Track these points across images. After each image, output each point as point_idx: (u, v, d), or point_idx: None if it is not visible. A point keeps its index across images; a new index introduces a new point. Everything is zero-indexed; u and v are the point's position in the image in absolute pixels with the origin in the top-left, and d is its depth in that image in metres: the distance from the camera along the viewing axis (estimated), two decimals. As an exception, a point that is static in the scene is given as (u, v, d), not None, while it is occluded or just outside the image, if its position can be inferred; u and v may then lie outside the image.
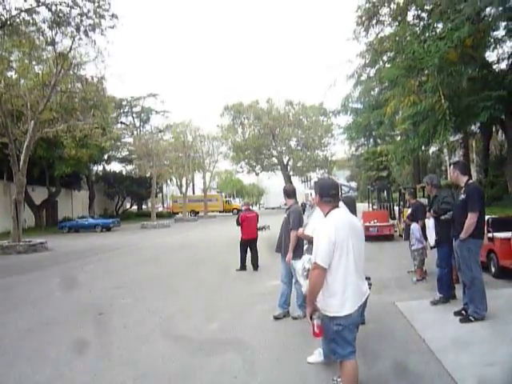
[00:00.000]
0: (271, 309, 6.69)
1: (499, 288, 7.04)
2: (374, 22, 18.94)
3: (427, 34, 15.63)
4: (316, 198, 3.50)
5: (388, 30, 20.00)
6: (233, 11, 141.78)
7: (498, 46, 14.55)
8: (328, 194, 3.41)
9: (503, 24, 15.13)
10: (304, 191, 72.30)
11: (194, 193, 57.35)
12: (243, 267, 10.85)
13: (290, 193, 6.55)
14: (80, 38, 16.84)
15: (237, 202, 73.06)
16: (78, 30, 16.72)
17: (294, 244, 6.06)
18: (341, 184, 57.50)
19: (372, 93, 21.69)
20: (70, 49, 18.05)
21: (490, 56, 15.82)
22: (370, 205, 22.85)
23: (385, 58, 19.32)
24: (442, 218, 6.13)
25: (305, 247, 4.64)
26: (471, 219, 5.34)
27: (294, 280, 6.39)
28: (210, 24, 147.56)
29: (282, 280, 6.49)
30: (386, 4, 18.27)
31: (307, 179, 70.01)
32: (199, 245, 18.42)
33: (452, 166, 5.98)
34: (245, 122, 57.57)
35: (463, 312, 5.53)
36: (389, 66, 18.82)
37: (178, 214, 50.23)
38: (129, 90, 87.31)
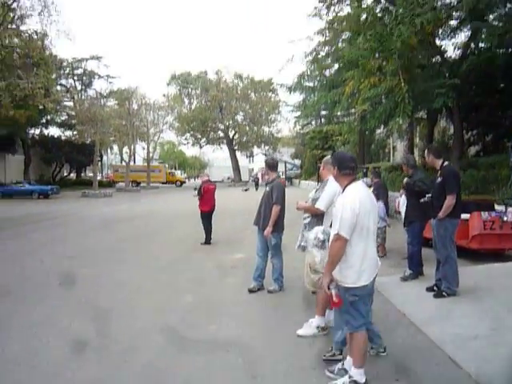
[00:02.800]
0: (243, 282, 6.67)
1: (459, 266, 7.40)
2: (336, 0, 19.00)
3: (386, 18, 15.87)
4: (334, 171, 3.45)
5: (347, 10, 20.12)
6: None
7: (454, 35, 15.10)
8: (347, 167, 3.37)
9: (456, 14, 15.66)
10: (248, 166, 72.68)
11: (134, 162, 55.63)
12: (208, 240, 10.57)
13: (272, 166, 6.45)
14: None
15: (179, 174, 72.02)
16: (24, -22, 15.31)
17: (275, 218, 6.02)
18: (285, 161, 58.49)
19: (327, 72, 21.84)
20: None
21: (447, 45, 16.41)
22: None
23: (344, 37, 19.48)
24: (421, 200, 6.30)
25: (306, 220, 4.60)
26: (450, 201, 5.54)
27: (269, 254, 6.38)
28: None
29: (258, 253, 6.44)
30: (348, -17, 18.30)
31: (251, 154, 70.18)
32: (149, 215, 17.93)
33: (426, 151, 6.16)
34: (192, 92, 56.30)
35: (435, 288, 5.77)
36: (346, 45, 19.03)
37: (118, 183, 48.74)
38: (72, 51, 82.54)
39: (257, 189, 38.36)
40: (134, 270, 7.99)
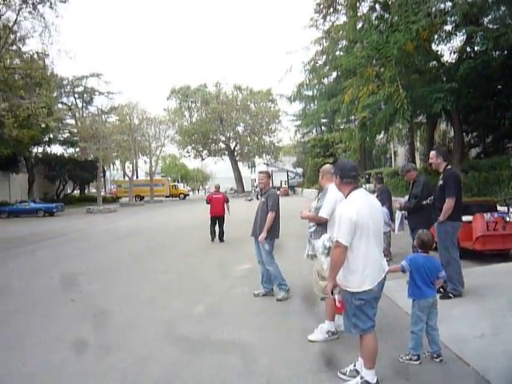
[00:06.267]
0: (251, 292, 6.78)
1: (464, 268, 7.51)
2: (331, 10, 19.28)
3: (382, 26, 16.11)
4: (336, 180, 3.59)
5: (343, 19, 20.41)
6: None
7: (449, 40, 15.31)
8: (349, 176, 3.51)
9: (450, 19, 15.87)
10: (250, 177, 72.90)
11: (137, 177, 55.96)
12: (212, 239, 12.82)
13: (269, 177, 6.78)
14: (30, 12, 15.76)
15: (182, 187, 72.26)
16: (25, 1, 15.63)
17: (270, 225, 6.24)
18: (287, 170, 58.66)
19: (326, 80, 22.05)
20: (15, 22, 16.88)
21: (443, 50, 16.61)
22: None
23: (341, 45, 19.72)
24: (424, 202, 6.46)
25: (312, 229, 4.75)
26: (448, 204, 5.70)
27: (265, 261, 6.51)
28: (161, 3, 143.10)
29: (259, 261, 6.67)
30: (343, -7, 18.61)
31: (253, 165, 70.41)
32: (155, 229, 18.09)
33: (435, 152, 6.23)
34: (192, 105, 56.69)
35: (441, 290, 5.86)
36: (343, 54, 19.26)
37: (121, 198, 49.06)
38: (73, 69, 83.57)
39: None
40: (143, 284, 8.10)
